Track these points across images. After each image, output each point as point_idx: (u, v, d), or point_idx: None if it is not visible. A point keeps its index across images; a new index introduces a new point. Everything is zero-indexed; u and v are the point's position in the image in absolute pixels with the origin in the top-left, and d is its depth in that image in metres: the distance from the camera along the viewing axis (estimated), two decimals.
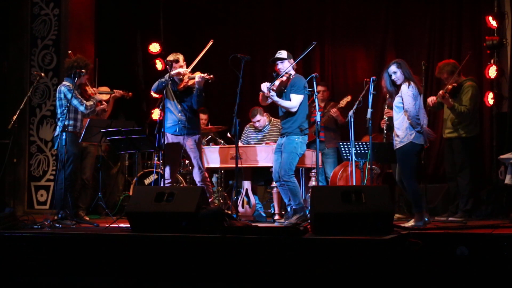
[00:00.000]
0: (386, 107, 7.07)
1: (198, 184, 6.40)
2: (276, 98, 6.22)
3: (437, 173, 8.06)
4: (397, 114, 5.80)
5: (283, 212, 6.96)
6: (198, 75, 6.27)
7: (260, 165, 6.90)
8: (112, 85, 7.50)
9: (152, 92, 6.65)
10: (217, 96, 8.85)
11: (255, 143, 7.42)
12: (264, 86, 6.24)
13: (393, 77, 5.80)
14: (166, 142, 6.35)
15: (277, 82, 6.30)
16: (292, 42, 8.89)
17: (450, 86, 6.56)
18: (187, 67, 6.47)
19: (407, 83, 5.70)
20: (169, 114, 6.42)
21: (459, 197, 6.80)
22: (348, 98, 7.67)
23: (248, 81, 8.64)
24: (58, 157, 6.35)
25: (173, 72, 6.35)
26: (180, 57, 6.46)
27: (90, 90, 6.67)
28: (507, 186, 6.36)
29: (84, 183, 7.33)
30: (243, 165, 6.74)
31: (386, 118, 7.02)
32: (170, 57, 6.46)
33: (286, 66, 6.33)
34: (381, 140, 7.00)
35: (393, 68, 5.80)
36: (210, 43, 6.49)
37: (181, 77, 6.37)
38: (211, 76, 6.27)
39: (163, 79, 6.33)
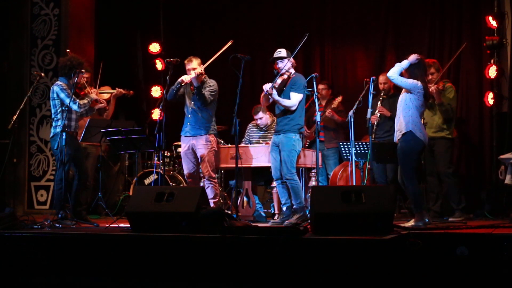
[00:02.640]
0: (379, 104, 7.05)
1: (206, 183, 6.42)
2: (277, 97, 6.22)
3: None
4: (400, 107, 5.77)
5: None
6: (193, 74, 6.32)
7: (260, 165, 6.89)
8: (112, 85, 7.50)
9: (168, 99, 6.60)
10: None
11: (257, 141, 7.42)
12: (267, 87, 6.24)
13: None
14: (181, 144, 6.61)
15: (279, 80, 6.30)
16: (292, 42, 8.87)
17: (441, 84, 6.58)
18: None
19: (416, 81, 5.70)
20: (185, 116, 6.56)
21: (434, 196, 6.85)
22: (339, 98, 7.70)
23: (248, 81, 8.64)
24: (58, 157, 6.33)
25: (184, 78, 6.37)
26: (195, 61, 6.43)
27: (87, 89, 6.65)
28: (507, 186, 6.36)
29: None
30: (243, 165, 6.74)
31: (379, 114, 7.00)
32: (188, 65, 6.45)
33: (286, 64, 6.33)
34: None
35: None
36: (229, 44, 6.43)
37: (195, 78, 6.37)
38: (198, 71, 6.30)
39: (173, 86, 6.42)
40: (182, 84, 6.41)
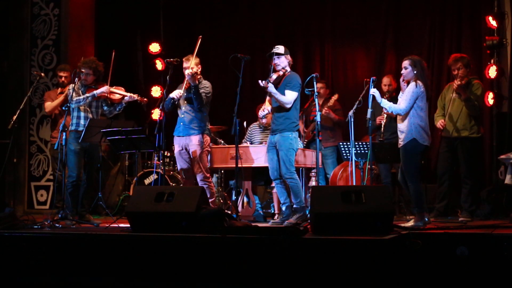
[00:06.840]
0: None
1: (199, 184, 6.40)
2: (274, 90, 6.18)
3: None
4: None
5: None
6: (186, 73, 6.28)
7: (260, 165, 6.89)
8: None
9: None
10: (217, 96, 8.82)
11: (259, 142, 7.42)
12: (262, 82, 6.20)
13: (403, 71, 5.79)
14: (174, 144, 6.60)
15: (274, 76, 6.29)
16: (292, 42, 8.89)
17: (464, 81, 6.53)
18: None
19: (414, 82, 5.69)
20: (178, 116, 6.55)
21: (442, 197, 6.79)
22: (335, 97, 7.71)
23: (248, 81, 8.64)
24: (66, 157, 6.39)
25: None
26: (192, 60, 6.37)
27: (100, 85, 6.67)
28: (507, 186, 6.35)
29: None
30: (243, 165, 6.74)
31: (385, 115, 7.00)
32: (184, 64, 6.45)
33: (283, 61, 6.32)
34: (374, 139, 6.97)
35: (405, 63, 5.79)
36: (199, 41, 6.39)
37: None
38: (194, 71, 6.27)
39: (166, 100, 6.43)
40: (174, 101, 6.41)
